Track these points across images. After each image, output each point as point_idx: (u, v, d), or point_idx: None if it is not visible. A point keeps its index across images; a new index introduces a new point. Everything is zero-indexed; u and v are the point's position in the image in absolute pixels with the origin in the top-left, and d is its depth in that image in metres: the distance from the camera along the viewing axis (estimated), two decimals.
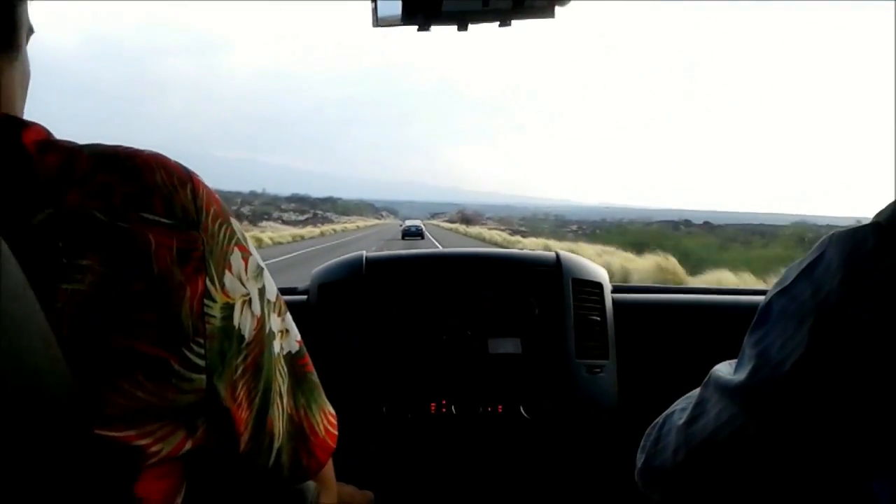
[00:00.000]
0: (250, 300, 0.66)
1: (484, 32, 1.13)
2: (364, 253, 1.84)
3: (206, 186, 0.66)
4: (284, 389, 0.73)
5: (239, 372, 0.65)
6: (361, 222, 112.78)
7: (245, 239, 0.69)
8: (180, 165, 0.66)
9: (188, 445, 0.63)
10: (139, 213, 0.60)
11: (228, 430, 0.66)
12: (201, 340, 0.61)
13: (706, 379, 0.78)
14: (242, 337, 0.65)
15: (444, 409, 1.69)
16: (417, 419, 1.69)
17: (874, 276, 0.62)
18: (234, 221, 0.68)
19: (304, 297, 1.81)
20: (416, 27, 1.11)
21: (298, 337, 0.78)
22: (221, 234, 0.65)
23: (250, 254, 0.68)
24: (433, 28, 1.11)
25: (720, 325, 1.73)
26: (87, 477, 0.55)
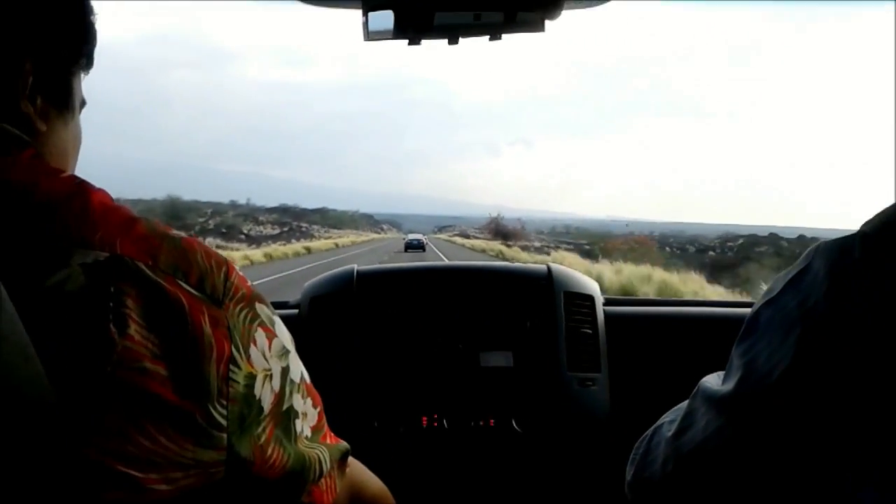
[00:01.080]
0: (271, 376, 0.71)
1: (479, 46, 1.13)
2: (355, 267, 1.84)
3: (239, 274, 0.72)
4: (327, 458, 0.79)
5: (262, 440, 0.70)
6: (353, 237, 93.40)
7: (272, 322, 0.74)
8: (219, 253, 0.73)
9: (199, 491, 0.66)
10: (176, 280, 0.65)
11: (251, 484, 0.70)
12: (224, 402, 0.65)
13: (694, 390, 0.78)
14: (262, 408, 0.69)
15: (435, 423, 1.68)
16: (409, 433, 1.68)
17: (860, 286, 0.62)
18: (259, 306, 0.73)
19: (296, 310, 1.80)
20: (406, 41, 1.11)
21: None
22: (242, 316, 0.70)
23: (275, 335, 0.73)
24: (424, 42, 1.11)
25: (711, 337, 1.73)
26: (68, 495, 0.56)
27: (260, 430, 0.69)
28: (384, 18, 1.05)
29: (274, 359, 0.72)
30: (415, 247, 47.85)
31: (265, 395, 0.70)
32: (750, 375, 0.68)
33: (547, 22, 1.08)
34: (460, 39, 1.12)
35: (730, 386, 0.70)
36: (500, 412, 1.69)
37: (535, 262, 2.32)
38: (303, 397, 0.77)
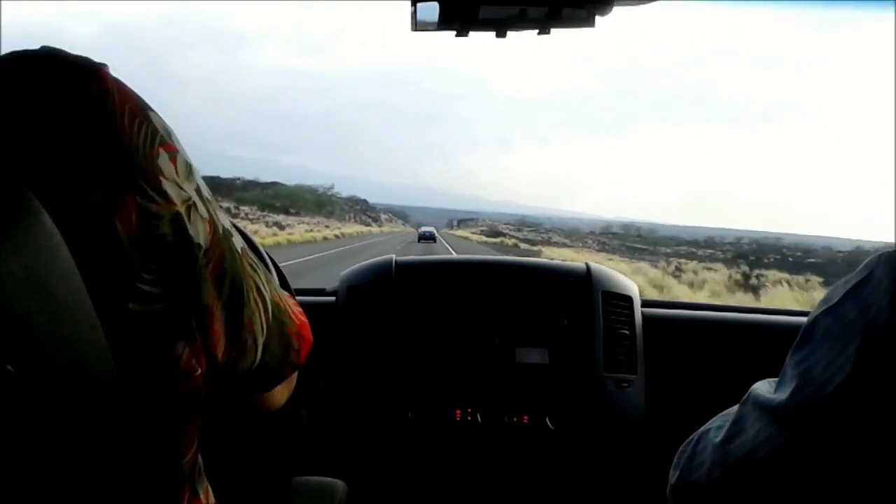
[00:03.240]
0: (194, 203, 0.59)
1: (500, 41, 1.12)
2: (394, 256, 1.84)
3: (113, 78, 0.57)
4: (262, 280, 0.69)
5: (207, 273, 0.60)
6: (294, 232, 49.81)
7: (169, 134, 0.60)
8: (79, 62, 0.56)
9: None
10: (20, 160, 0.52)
11: (207, 346, 0.62)
12: (153, 266, 0.56)
13: (745, 397, 0.77)
14: (200, 245, 0.59)
15: (469, 417, 1.68)
16: (442, 426, 1.68)
17: None
18: (153, 116, 0.59)
19: (333, 298, 1.81)
20: (454, 33, 1.11)
21: None
22: (143, 137, 0.56)
23: (177, 151, 0.59)
24: (471, 34, 1.11)
25: (751, 344, 1.70)
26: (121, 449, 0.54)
27: (204, 265, 0.59)
28: (432, 10, 1.05)
29: (186, 182, 0.59)
30: (426, 238, 55.57)
31: (198, 229, 0.59)
32: (806, 385, 0.67)
33: (597, 17, 1.07)
34: (508, 33, 1.11)
35: (784, 395, 0.69)
36: (534, 409, 1.68)
37: None
38: (221, 211, 0.65)
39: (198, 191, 0.60)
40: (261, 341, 0.68)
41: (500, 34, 1.10)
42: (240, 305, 0.64)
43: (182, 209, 0.57)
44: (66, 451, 0.49)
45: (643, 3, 1.12)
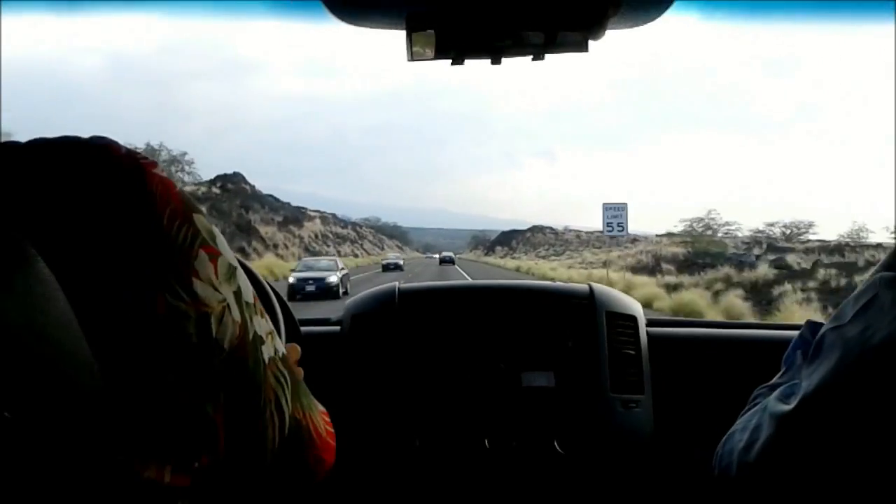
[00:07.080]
0: (228, 306, 0.60)
1: (518, 64, 1.14)
2: (397, 284, 1.84)
3: (160, 176, 0.58)
4: (287, 394, 0.68)
5: (219, 384, 0.60)
6: None
7: (213, 237, 0.61)
8: (129, 156, 0.57)
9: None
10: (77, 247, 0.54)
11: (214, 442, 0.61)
12: (174, 363, 0.57)
13: (763, 404, 0.83)
14: (223, 349, 0.59)
15: (477, 443, 1.67)
16: (450, 453, 1.67)
17: None
18: (197, 218, 0.60)
19: (338, 328, 1.81)
20: (449, 61, 1.12)
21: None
22: (181, 238, 0.57)
23: (220, 253, 0.61)
24: (466, 62, 1.12)
25: (756, 359, 1.70)
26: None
27: (221, 370, 0.59)
28: (426, 39, 1.07)
29: (224, 285, 0.59)
30: (446, 261, 67.33)
31: (225, 331, 0.59)
32: (811, 395, 0.73)
33: (590, 42, 1.08)
34: (503, 59, 1.13)
35: (793, 403, 0.76)
36: (541, 433, 1.67)
37: None
38: (262, 316, 0.65)
39: (237, 293, 0.61)
40: (269, 454, 0.68)
41: (496, 61, 1.11)
42: (253, 415, 0.64)
43: (215, 310, 0.58)
44: (59, 495, 0.48)
45: (636, 26, 1.14)
